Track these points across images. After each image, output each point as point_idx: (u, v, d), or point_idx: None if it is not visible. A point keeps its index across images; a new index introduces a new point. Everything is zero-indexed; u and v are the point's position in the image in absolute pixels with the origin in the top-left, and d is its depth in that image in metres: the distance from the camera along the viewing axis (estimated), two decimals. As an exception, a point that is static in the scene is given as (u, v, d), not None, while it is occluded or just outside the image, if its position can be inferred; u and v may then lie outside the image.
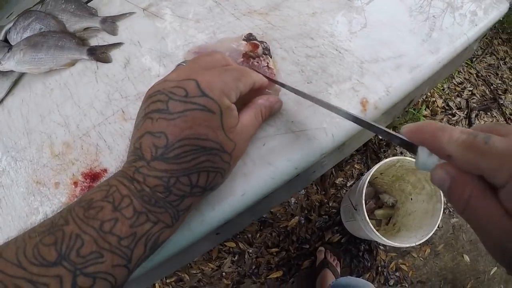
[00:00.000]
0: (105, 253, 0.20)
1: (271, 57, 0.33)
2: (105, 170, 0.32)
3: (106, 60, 0.39)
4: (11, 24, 0.46)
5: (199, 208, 0.27)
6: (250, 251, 1.16)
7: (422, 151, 0.19)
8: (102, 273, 0.20)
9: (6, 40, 0.47)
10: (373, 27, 0.37)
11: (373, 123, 0.22)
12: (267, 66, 0.31)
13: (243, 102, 0.26)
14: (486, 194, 0.16)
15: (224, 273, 1.13)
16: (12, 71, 0.43)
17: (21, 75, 0.43)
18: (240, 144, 0.24)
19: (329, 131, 0.29)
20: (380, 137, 1.29)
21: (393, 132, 0.20)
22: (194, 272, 1.13)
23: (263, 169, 0.28)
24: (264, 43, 0.33)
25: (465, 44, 0.38)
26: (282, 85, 0.29)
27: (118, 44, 0.40)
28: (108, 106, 0.35)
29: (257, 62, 0.31)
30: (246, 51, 0.32)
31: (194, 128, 0.21)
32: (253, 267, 1.15)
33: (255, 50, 0.32)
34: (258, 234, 1.18)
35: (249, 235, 1.18)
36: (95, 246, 0.20)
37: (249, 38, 0.33)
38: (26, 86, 0.42)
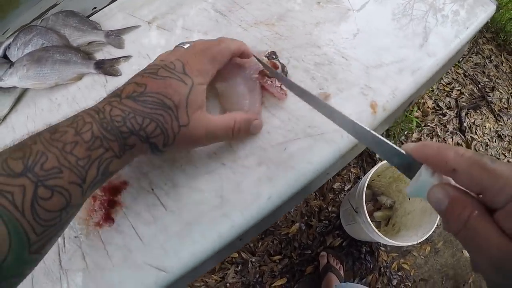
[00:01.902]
0: (64, 169, 0.22)
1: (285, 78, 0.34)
2: (125, 183, 0.32)
3: (116, 73, 0.39)
4: (10, 40, 0.46)
5: (228, 214, 0.27)
6: (253, 260, 1.15)
7: (426, 169, 0.19)
8: (60, 187, 0.22)
9: (5, 57, 0.47)
10: (373, 34, 0.38)
11: (375, 135, 0.22)
12: (280, 87, 0.33)
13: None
14: (485, 215, 0.17)
15: (228, 284, 1.12)
16: (14, 87, 0.42)
17: (24, 91, 0.43)
18: (195, 129, 0.27)
19: (345, 133, 0.31)
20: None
21: (396, 147, 0.20)
22: (198, 284, 1.11)
23: (286, 173, 0.29)
24: (284, 66, 0.34)
25: (458, 46, 0.40)
26: (292, 87, 0.29)
27: (127, 57, 0.40)
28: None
29: (271, 82, 0.32)
30: (263, 69, 0.33)
31: (167, 88, 0.26)
32: (257, 276, 1.14)
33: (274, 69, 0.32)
34: (260, 243, 1.18)
35: (251, 244, 1.18)
36: (57, 163, 0.22)
37: (272, 56, 0.34)
38: (30, 102, 0.41)
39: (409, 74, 0.37)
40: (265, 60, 0.34)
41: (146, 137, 0.25)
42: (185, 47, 0.31)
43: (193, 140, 0.28)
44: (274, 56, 0.36)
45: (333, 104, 0.33)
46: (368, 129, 0.22)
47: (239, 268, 1.14)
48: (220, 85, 0.33)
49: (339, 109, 0.25)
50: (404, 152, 0.20)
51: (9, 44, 0.46)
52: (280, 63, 0.34)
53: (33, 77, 0.40)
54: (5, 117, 0.42)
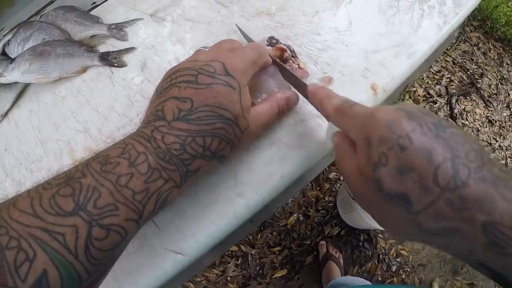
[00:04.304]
0: (120, 206, 0.20)
1: (298, 58, 0.35)
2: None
3: (121, 64, 0.40)
4: (9, 37, 0.46)
5: (242, 194, 0.28)
6: (253, 252, 1.17)
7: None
8: (116, 226, 0.20)
9: (3, 54, 0.47)
10: (369, 22, 0.40)
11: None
12: (298, 66, 0.33)
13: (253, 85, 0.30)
14: (349, 152, 0.22)
15: (229, 278, 1.13)
16: (16, 82, 0.42)
17: (25, 86, 0.43)
18: (253, 127, 0.26)
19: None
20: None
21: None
22: (199, 279, 1.12)
23: (297, 152, 0.30)
24: (289, 46, 0.35)
25: (450, 31, 0.41)
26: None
27: (131, 49, 0.40)
28: (131, 108, 0.36)
29: (289, 66, 0.33)
30: (276, 57, 0.33)
31: (218, 98, 0.24)
32: (258, 268, 1.15)
33: (283, 54, 0.33)
34: (259, 235, 1.19)
35: (250, 237, 1.19)
36: (111, 199, 0.20)
37: (272, 42, 0.35)
38: (32, 97, 0.41)
39: (405, 57, 0.38)
40: (270, 49, 0.35)
41: (212, 155, 0.24)
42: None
43: (253, 136, 0.28)
44: (275, 41, 0.36)
45: (336, 86, 0.34)
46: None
47: (239, 261, 1.15)
48: None
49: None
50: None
51: (8, 41, 0.46)
52: (284, 44, 0.35)
53: (36, 71, 0.40)
54: (6, 113, 0.41)
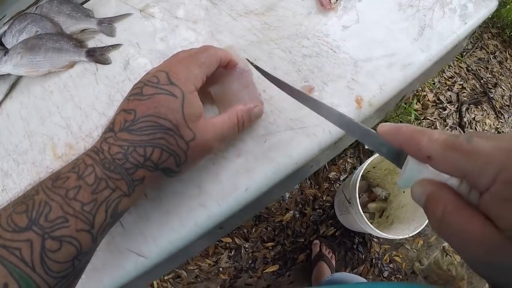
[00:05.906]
0: (70, 218, 0.22)
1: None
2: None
3: (106, 61, 0.39)
4: (5, 27, 0.46)
5: (205, 204, 0.28)
6: (246, 246, 1.18)
7: (412, 160, 0.18)
8: (68, 237, 0.21)
9: (1, 43, 0.47)
10: (366, 26, 0.38)
11: (362, 126, 0.21)
12: None
13: (223, 95, 0.29)
14: (462, 208, 0.15)
15: (221, 268, 1.15)
16: (9, 74, 0.43)
17: (19, 78, 0.43)
18: (202, 139, 0.25)
19: (326, 128, 0.31)
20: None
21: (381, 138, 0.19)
22: (191, 268, 1.14)
23: (265, 165, 0.29)
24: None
25: (455, 42, 0.38)
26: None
27: (117, 46, 0.40)
28: (110, 107, 0.36)
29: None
30: None
31: (158, 108, 0.24)
32: (250, 261, 1.17)
33: None
34: (254, 229, 1.20)
35: (245, 230, 1.20)
36: (61, 212, 0.21)
37: None
38: (24, 89, 0.42)
39: (398, 69, 0.36)
40: None
41: (155, 166, 0.24)
42: None
43: (205, 150, 0.26)
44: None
45: (316, 97, 0.33)
46: (353, 119, 0.21)
47: (232, 253, 1.17)
48: (213, 88, 0.31)
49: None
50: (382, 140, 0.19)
51: (5, 32, 0.46)
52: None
53: (27, 65, 0.41)
54: (0, 104, 0.42)
